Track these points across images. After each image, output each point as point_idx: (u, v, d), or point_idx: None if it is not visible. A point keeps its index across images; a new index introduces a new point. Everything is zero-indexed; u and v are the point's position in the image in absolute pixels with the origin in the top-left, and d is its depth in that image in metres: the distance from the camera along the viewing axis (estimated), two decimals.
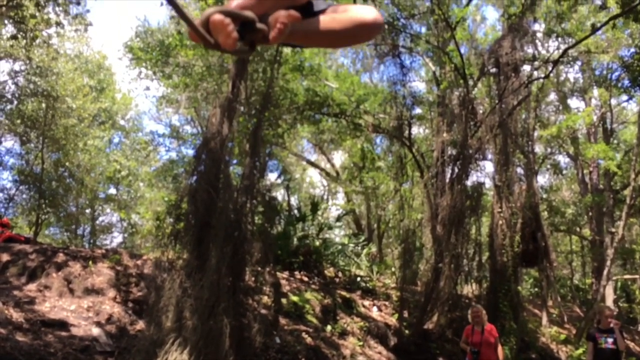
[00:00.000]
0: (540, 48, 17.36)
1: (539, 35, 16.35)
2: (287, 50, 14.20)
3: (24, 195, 21.79)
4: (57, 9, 13.66)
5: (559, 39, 15.57)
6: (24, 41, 14.79)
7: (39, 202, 20.09)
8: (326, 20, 1.81)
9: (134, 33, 19.11)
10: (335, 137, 18.34)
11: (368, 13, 1.78)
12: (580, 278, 27.09)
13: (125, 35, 40.66)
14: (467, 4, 14.33)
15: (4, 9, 13.32)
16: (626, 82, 14.13)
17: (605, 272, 15.60)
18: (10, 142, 22.11)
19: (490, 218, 14.20)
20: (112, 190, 26.20)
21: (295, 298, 11.76)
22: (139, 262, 11.11)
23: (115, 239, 28.73)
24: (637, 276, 22.31)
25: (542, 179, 24.85)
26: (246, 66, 10.55)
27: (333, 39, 1.92)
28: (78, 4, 13.21)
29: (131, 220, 26.10)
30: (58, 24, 14.22)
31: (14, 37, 14.74)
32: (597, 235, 20.19)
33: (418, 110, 17.87)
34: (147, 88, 35.56)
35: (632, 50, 13.99)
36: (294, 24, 1.65)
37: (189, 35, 1.64)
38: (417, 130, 20.63)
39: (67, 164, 21.24)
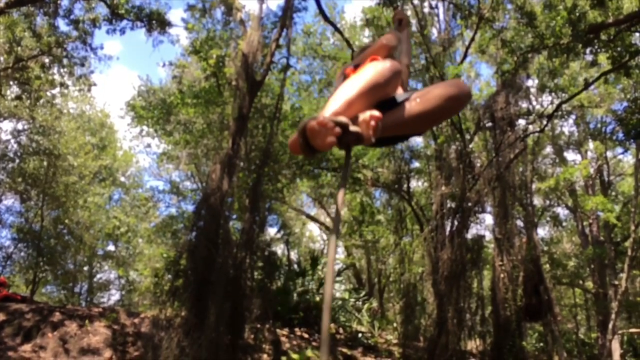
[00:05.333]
0: (534, 103, 17.71)
1: (533, 90, 16.75)
2: (286, 106, 14.51)
3: (22, 253, 21.63)
4: (62, 70, 14.03)
5: (553, 93, 15.93)
6: (28, 101, 15.12)
7: (36, 260, 19.94)
8: (413, 105, 1.93)
9: (136, 92, 19.57)
10: (335, 191, 18.42)
11: (452, 86, 1.92)
12: (586, 332, 26.56)
13: (127, 92, 41.49)
14: (462, 62, 14.73)
15: (9, 70, 13.68)
16: (620, 135, 14.37)
17: (610, 326, 15.33)
18: (10, 200, 22.17)
19: (491, 271, 14.09)
20: (111, 247, 26.08)
21: (295, 356, 11.49)
22: (136, 320, 10.93)
23: (113, 296, 28.35)
24: None
25: (542, 232, 24.82)
26: (246, 123, 10.76)
27: (425, 120, 2.00)
28: (82, 65, 13.57)
29: (129, 277, 25.83)
30: (62, 84, 14.58)
31: (18, 97, 15.08)
32: (600, 288, 19.95)
33: (416, 164, 18.05)
34: (149, 145, 35.93)
35: (625, 104, 14.30)
36: (383, 121, 1.80)
37: (290, 146, 1.82)
38: (416, 184, 20.75)
39: (66, 221, 21.22)
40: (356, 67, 2.32)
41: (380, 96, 1.94)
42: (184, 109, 14.83)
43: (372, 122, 1.75)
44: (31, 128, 18.76)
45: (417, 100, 1.95)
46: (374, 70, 1.90)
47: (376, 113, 1.76)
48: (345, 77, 2.34)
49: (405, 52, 3.05)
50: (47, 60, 13.83)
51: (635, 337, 22.41)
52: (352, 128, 1.73)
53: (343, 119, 1.72)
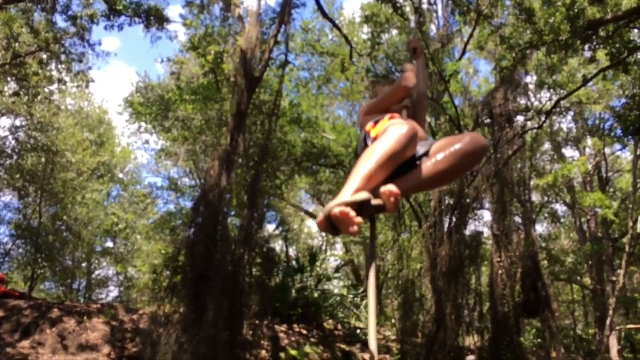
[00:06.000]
0: (533, 99, 17.73)
1: (531, 87, 16.75)
2: (284, 103, 14.50)
3: (20, 250, 21.64)
4: (60, 66, 13.99)
5: (551, 90, 15.92)
6: (26, 98, 15.07)
7: (35, 256, 19.94)
8: (431, 166, 2.03)
9: (134, 88, 19.53)
10: (333, 188, 18.42)
11: (469, 142, 1.98)
12: (584, 328, 26.63)
13: (125, 89, 41.41)
14: (460, 58, 14.73)
15: (7, 67, 13.64)
16: (619, 131, 14.38)
17: (608, 322, 15.37)
18: (8, 197, 22.14)
19: (489, 268, 14.11)
20: (110, 244, 26.06)
21: (294, 352, 11.51)
22: (134, 316, 10.94)
23: (112, 293, 28.37)
24: None
25: (541, 228, 24.85)
26: (244, 119, 10.75)
27: (442, 180, 2.10)
28: (80, 61, 13.53)
29: (128, 274, 25.84)
30: (60, 81, 14.53)
31: (16, 94, 15.03)
32: (598, 284, 20.01)
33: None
34: (147, 142, 35.84)
35: (624, 100, 14.30)
36: (402, 186, 1.94)
37: (317, 225, 1.93)
38: None
39: (64, 217, 21.20)
40: (376, 122, 2.37)
41: (399, 162, 2.02)
42: (182, 106, 14.80)
43: (392, 199, 1.87)
44: (29, 124, 18.73)
45: (435, 159, 2.03)
46: (392, 139, 1.95)
47: (395, 190, 1.85)
48: (366, 134, 2.40)
49: (422, 81, 3.07)
50: (45, 57, 13.79)
51: (633, 333, 22.48)
52: (374, 202, 1.86)
53: (364, 195, 1.84)
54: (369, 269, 1.94)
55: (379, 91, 2.82)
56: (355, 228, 1.76)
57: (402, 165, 2.04)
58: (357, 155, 2.42)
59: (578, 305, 27.07)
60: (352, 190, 1.86)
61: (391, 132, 1.99)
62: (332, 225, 1.82)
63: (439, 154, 2.05)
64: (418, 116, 2.84)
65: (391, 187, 1.86)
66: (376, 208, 1.87)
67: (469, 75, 19.19)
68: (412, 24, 14.96)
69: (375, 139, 2.18)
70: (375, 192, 1.89)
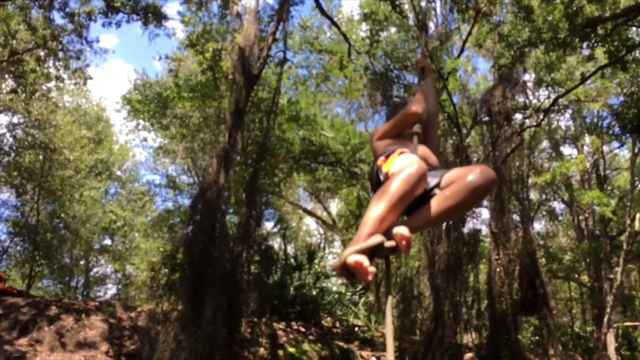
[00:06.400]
0: (531, 97, 17.75)
1: (530, 84, 16.75)
2: (283, 100, 14.49)
3: (18, 247, 21.61)
4: (57, 63, 13.95)
5: (549, 88, 15.94)
6: (24, 95, 15.03)
7: (32, 254, 19.91)
8: (441, 201, 2.10)
9: (132, 86, 19.49)
10: (332, 186, 18.43)
11: (476, 177, 2.04)
12: (581, 325, 26.70)
13: (123, 86, 41.35)
14: (459, 56, 14.71)
15: (4, 64, 13.60)
16: (617, 129, 14.39)
17: (605, 320, 15.41)
18: (6, 194, 22.10)
19: (487, 265, 14.13)
20: (107, 241, 26.03)
21: (292, 349, 11.51)
22: (132, 314, 10.93)
23: (110, 290, 28.35)
24: (638, 323, 22.01)
25: (538, 226, 24.89)
26: (243, 117, 10.73)
27: (453, 213, 2.17)
28: (78, 58, 13.49)
29: (125, 271, 25.82)
30: (58, 78, 14.49)
31: (13, 91, 14.99)
32: (595, 282, 20.05)
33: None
34: (145, 139, 35.83)
35: (621, 98, 14.32)
36: (414, 224, 2.07)
37: (334, 269, 2.02)
38: None
39: (62, 215, 21.17)
40: (387, 156, 2.44)
41: (410, 202, 2.10)
42: (180, 103, 14.78)
43: (404, 242, 1.96)
44: (27, 122, 18.68)
45: (445, 194, 2.09)
46: (402, 181, 2.02)
47: (407, 234, 1.95)
48: (377, 167, 2.48)
49: (431, 100, 3.09)
50: (42, 54, 13.75)
51: (630, 331, 22.55)
52: (387, 244, 1.96)
53: (377, 240, 1.93)
54: (387, 305, 2.07)
55: (396, 114, 2.83)
56: (369, 277, 1.87)
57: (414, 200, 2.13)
58: (370, 183, 2.55)
59: (576, 302, 27.13)
60: (365, 234, 1.95)
61: (401, 174, 2.05)
62: (348, 272, 1.92)
63: (448, 187, 2.11)
64: (429, 137, 2.86)
65: (403, 231, 1.95)
66: (389, 250, 1.97)
67: (467, 72, 19.18)
68: (411, 22, 14.95)
69: (386, 174, 2.28)
70: (388, 233, 1.98)
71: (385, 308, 2.06)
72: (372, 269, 1.86)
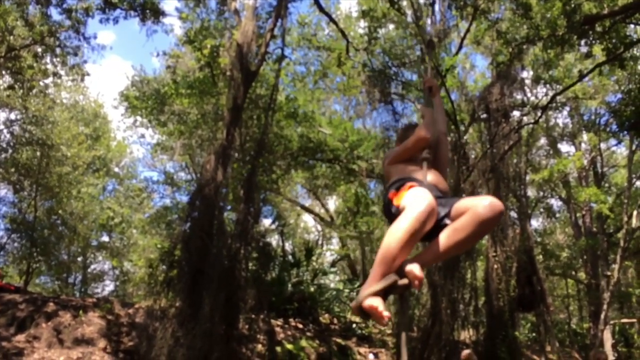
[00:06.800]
0: (529, 94, 17.74)
1: (528, 82, 16.76)
2: (281, 97, 14.47)
3: (16, 244, 21.55)
4: (54, 59, 13.90)
5: (547, 85, 15.94)
6: (21, 91, 14.98)
7: (30, 250, 19.88)
8: (450, 235, 2.18)
9: (130, 82, 19.44)
10: (329, 183, 18.41)
11: (483, 209, 2.11)
12: (578, 322, 26.79)
13: (121, 82, 41.25)
14: (457, 53, 14.71)
15: (1, 60, 13.55)
16: (614, 126, 14.41)
17: (602, 316, 15.46)
18: (3, 191, 22.05)
19: (485, 262, 14.16)
20: (105, 238, 26.00)
21: (290, 346, 11.54)
22: (130, 310, 10.93)
23: (107, 287, 28.33)
24: (634, 320, 22.09)
25: (536, 223, 24.92)
26: (240, 113, 10.72)
27: (463, 246, 2.24)
28: (75, 54, 13.44)
29: (123, 268, 25.80)
30: (55, 74, 14.44)
31: (11, 87, 14.94)
32: (592, 279, 20.10)
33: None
34: (142, 136, 35.72)
35: (619, 96, 14.33)
36: (425, 259, 2.17)
37: (352, 308, 2.12)
38: None
39: (60, 211, 21.13)
40: (398, 189, 2.48)
41: (420, 238, 2.18)
42: (178, 100, 14.75)
43: (416, 282, 2.05)
44: (24, 118, 18.62)
45: (454, 228, 2.17)
46: (411, 219, 2.08)
47: (419, 274, 2.04)
48: (389, 200, 2.53)
49: (441, 119, 3.13)
50: (39, 50, 13.70)
51: (627, 327, 22.62)
52: (401, 282, 2.05)
53: (390, 280, 2.03)
54: (401, 340, 2.22)
55: (407, 137, 2.89)
56: (384, 321, 2.00)
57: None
58: (383, 213, 2.67)
59: (572, 299, 27.21)
60: (379, 274, 2.06)
61: (410, 211, 2.12)
62: (365, 313, 2.03)
63: (458, 221, 2.18)
64: (439, 158, 2.90)
65: (415, 271, 2.05)
66: (403, 288, 2.06)
67: (465, 70, 19.17)
68: (409, 19, 14.93)
69: (397, 207, 2.34)
70: (401, 269, 2.08)
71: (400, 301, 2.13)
72: (386, 313, 1.98)
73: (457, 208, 2.24)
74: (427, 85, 3.29)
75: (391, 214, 2.44)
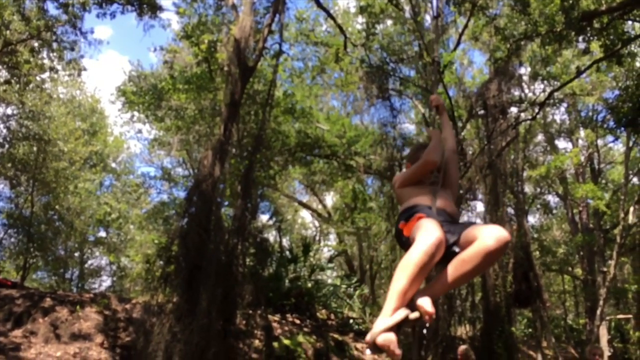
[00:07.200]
0: (526, 90, 17.73)
1: (525, 78, 16.75)
2: (278, 93, 14.44)
3: (12, 239, 21.52)
4: (51, 54, 13.84)
5: (545, 81, 15.94)
6: (17, 86, 14.92)
7: (27, 245, 19.85)
8: (458, 266, 2.25)
9: (127, 77, 19.37)
10: (327, 178, 18.41)
11: (491, 241, 2.18)
12: (574, 318, 26.87)
13: (118, 77, 41.12)
14: (455, 49, 14.70)
15: None
16: (611, 123, 14.44)
17: (598, 312, 15.51)
18: (0, 186, 21.98)
19: None
20: (102, 233, 25.97)
21: (287, 341, 11.56)
22: (127, 306, 10.93)
23: (104, 282, 28.30)
24: (630, 316, 22.17)
25: (533, 219, 24.97)
26: (238, 109, 10.69)
27: (470, 276, 2.32)
28: (72, 49, 13.39)
29: (120, 263, 25.78)
30: (52, 69, 14.39)
31: (7, 82, 14.87)
32: (589, 275, 20.16)
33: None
34: (140, 131, 35.58)
35: (617, 92, 14.34)
36: (435, 291, 2.25)
37: (366, 343, 2.16)
38: None
39: (56, 207, 21.09)
40: (407, 220, 2.54)
41: (430, 270, 2.25)
42: (175, 95, 14.71)
43: (427, 317, 2.13)
44: (20, 113, 18.55)
45: (461, 259, 2.24)
46: (420, 253, 2.16)
47: (430, 310, 2.14)
48: (400, 232, 2.60)
49: (450, 137, 3.16)
50: (36, 44, 13.65)
51: (623, 323, 22.70)
52: (412, 316, 2.14)
53: (402, 315, 2.11)
54: None
55: (417, 157, 2.94)
56: (397, 358, 2.08)
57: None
58: (396, 238, 2.72)
59: (569, 295, 27.30)
60: (391, 309, 2.14)
61: (419, 245, 2.19)
62: (378, 348, 2.10)
63: (465, 251, 2.24)
64: (450, 176, 2.94)
65: (426, 306, 2.14)
66: (414, 321, 2.16)
67: (463, 66, 19.18)
68: (407, 14, 14.91)
69: (408, 237, 2.44)
70: (412, 302, 2.17)
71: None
72: (398, 351, 2.08)
73: (465, 236, 2.31)
74: (434, 105, 3.31)
75: (403, 242, 2.55)
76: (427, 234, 2.22)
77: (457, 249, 2.31)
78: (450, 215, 2.62)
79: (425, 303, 2.14)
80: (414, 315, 2.13)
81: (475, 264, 2.20)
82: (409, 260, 2.16)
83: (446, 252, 2.29)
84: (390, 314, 2.13)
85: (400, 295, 2.14)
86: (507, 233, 2.22)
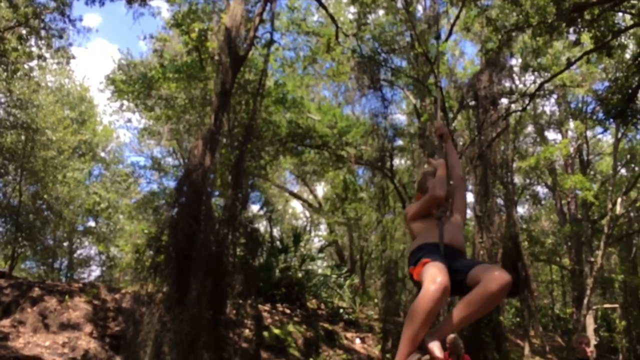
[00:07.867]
0: (517, 82, 17.78)
1: (516, 69, 16.78)
2: (269, 83, 14.38)
3: (0, 229, 21.34)
4: (39, 42, 13.66)
5: (535, 73, 15.98)
6: (5, 74, 14.72)
7: (15, 235, 19.68)
8: (464, 309, 2.45)
9: (116, 66, 19.18)
10: (318, 169, 18.40)
11: (494, 285, 2.35)
12: (561, 307, 27.20)
13: (107, 66, 40.73)
14: (446, 40, 14.68)
15: None
16: (601, 114, 14.52)
17: (585, 302, 15.69)
18: None
19: (471, 248, 14.29)
20: (91, 223, 25.81)
21: (277, 331, 11.61)
22: (117, 296, 10.91)
23: (94, 272, 28.17)
24: (616, 305, 22.47)
25: (522, 209, 25.16)
26: (229, 98, 10.63)
27: (475, 317, 2.51)
28: (61, 37, 13.22)
29: (110, 253, 25.67)
30: (40, 57, 14.21)
31: None
32: (576, 265, 20.37)
33: (399, 142, 18.07)
34: (129, 120, 35.40)
35: (606, 84, 14.40)
36: (442, 333, 2.42)
37: None
38: (399, 162, 20.82)
39: (45, 196, 20.92)
40: (415, 264, 2.66)
41: (437, 314, 2.42)
42: (165, 84, 14.59)
43: None
44: (8, 101, 18.32)
45: (467, 301, 2.43)
46: (426, 301, 2.31)
47: (439, 355, 2.29)
48: (411, 275, 2.74)
49: (456, 164, 3.20)
50: (24, 32, 13.43)
51: (609, 312, 23.01)
52: (423, 359, 2.30)
53: (414, 358, 2.30)
54: None
55: (425, 182, 3.05)
56: None
57: None
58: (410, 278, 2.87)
59: (556, 285, 27.60)
60: (405, 354, 2.34)
61: (425, 293, 2.33)
62: None
63: (470, 294, 2.43)
64: (457, 203, 3.03)
65: (436, 352, 2.29)
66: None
67: (454, 57, 19.18)
68: (399, 4, 14.85)
69: (417, 281, 2.58)
70: (423, 344, 2.34)
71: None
72: None
73: (471, 277, 2.48)
74: (438, 134, 3.30)
75: (414, 283, 2.72)
76: (432, 282, 2.37)
77: (465, 284, 2.51)
78: (457, 250, 2.73)
79: (435, 348, 2.31)
80: (425, 358, 2.32)
81: (479, 307, 2.41)
82: (417, 308, 2.33)
83: (457, 286, 2.49)
84: (404, 358, 2.34)
85: (411, 341, 2.35)
86: (509, 277, 2.38)
